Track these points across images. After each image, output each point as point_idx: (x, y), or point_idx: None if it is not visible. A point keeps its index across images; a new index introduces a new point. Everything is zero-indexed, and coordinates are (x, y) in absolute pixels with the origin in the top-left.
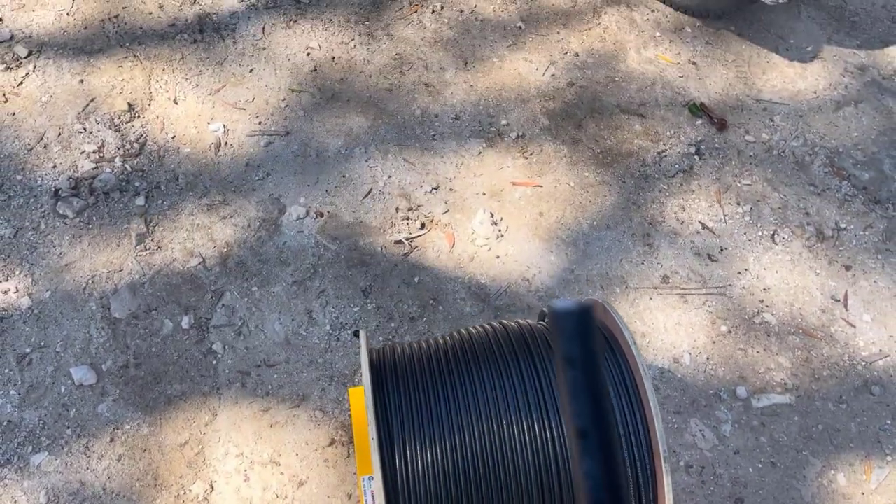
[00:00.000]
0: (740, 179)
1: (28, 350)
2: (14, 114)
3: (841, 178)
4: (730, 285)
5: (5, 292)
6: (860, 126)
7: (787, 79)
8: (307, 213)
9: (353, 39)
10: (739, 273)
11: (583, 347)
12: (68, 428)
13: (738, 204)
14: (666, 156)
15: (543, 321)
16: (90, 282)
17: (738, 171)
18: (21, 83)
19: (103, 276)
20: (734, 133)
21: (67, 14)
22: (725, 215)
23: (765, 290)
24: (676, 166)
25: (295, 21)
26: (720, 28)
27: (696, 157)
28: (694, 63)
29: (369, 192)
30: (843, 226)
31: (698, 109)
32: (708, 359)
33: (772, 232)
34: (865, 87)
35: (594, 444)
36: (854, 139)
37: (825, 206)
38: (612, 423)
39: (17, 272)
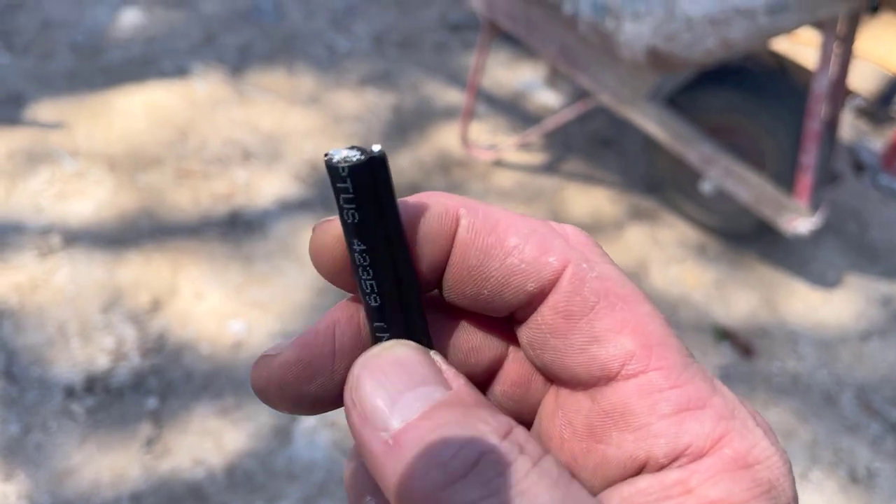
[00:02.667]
0: (768, 410)
1: None
2: (40, 304)
3: (870, 414)
4: None
5: (5, 495)
6: (887, 359)
7: (811, 306)
8: (320, 423)
9: None
10: None
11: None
12: None
13: None
14: None
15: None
16: (93, 490)
17: (766, 402)
18: (52, 273)
19: (107, 484)
20: (760, 360)
21: (105, 206)
22: None
23: None
24: None
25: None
26: (742, 249)
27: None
28: (717, 285)
29: None
30: (876, 465)
31: (723, 335)
32: None
33: (805, 469)
34: (891, 319)
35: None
36: (882, 374)
37: (856, 444)
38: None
39: (21, 474)
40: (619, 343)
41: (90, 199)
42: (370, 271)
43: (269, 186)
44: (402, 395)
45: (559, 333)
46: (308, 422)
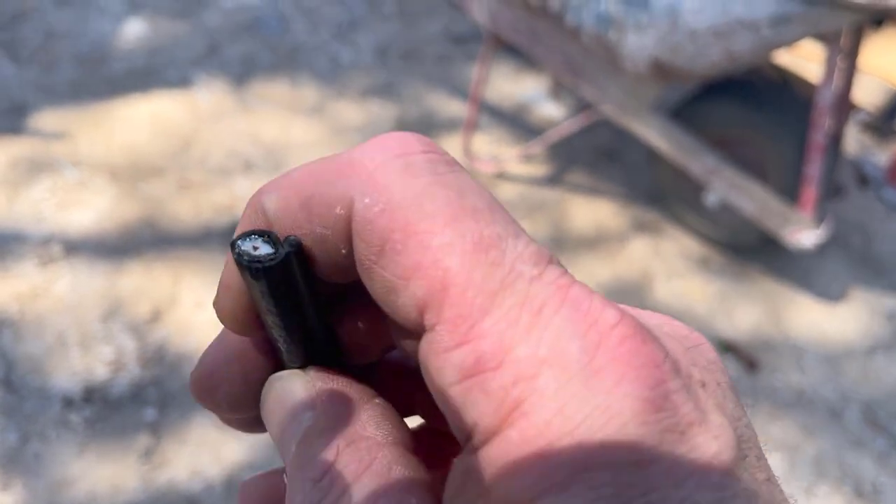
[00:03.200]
0: (773, 425)
1: None
2: (40, 313)
3: (876, 429)
4: None
5: None
6: (892, 374)
7: (815, 320)
8: None
9: None
10: None
11: None
12: None
13: (773, 451)
14: None
15: None
16: (91, 500)
17: (770, 416)
18: (53, 282)
19: (104, 494)
20: (764, 374)
21: (106, 216)
22: None
23: None
24: None
25: None
26: (746, 262)
27: None
28: (721, 298)
29: None
30: (882, 480)
31: (727, 348)
32: None
33: (810, 485)
34: None
35: None
36: (888, 388)
37: (862, 459)
38: None
39: (18, 483)
40: (409, 291)
41: (92, 208)
42: (287, 343)
43: None
44: (284, 433)
45: (367, 284)
46: None
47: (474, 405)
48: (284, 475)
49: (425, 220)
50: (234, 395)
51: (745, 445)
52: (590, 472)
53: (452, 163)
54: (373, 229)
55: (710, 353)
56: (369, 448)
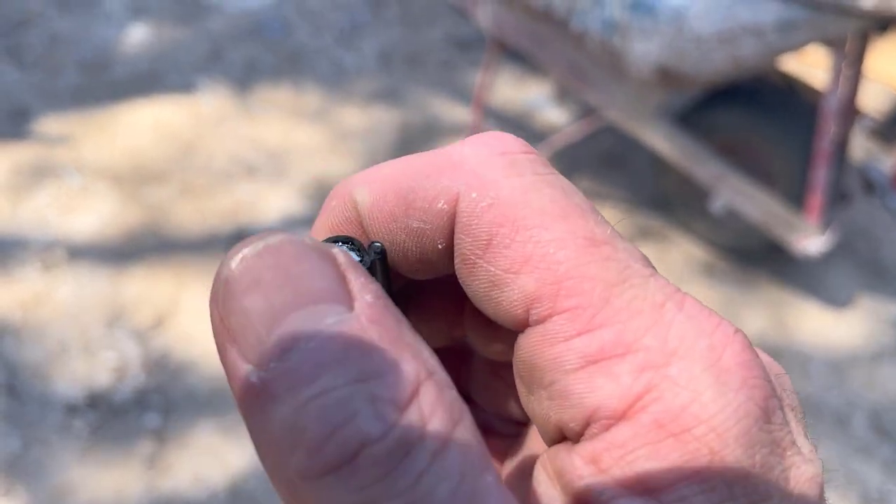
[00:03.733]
0: None
1: None
2: (43, 319)
3: (882, 437)
4: None
5: None
6: None
7: (821, 327)
8: None
9: None
10: None
11: None
12: None
13: None
14: None
15: None
16: None
17: None
18: (55, 288)
19: (107, 501)
20: None
21: (109, 221)
22: None
23: None
24: None
25: None
26: (751, 269)
27: None
28: (726, 305)
29: None
30: (888, 487)
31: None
32: None
33: None
34: None
35: None
36: (894, 396)
37: (868, 466)
38: None
39: (20, 489)
40: (518, 284)
41: (95, 213)
42: None
43: (274, 202)
44: (285, 316)
45: (464, 280)
46: None
47: (599, 389)
48: (244, 374)
49: (535, 215)
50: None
51: (825, 475)
52: (725, 468)
53: (549, 164)
54: (480, 223)
55: (789, 383)
56: (452, 393)
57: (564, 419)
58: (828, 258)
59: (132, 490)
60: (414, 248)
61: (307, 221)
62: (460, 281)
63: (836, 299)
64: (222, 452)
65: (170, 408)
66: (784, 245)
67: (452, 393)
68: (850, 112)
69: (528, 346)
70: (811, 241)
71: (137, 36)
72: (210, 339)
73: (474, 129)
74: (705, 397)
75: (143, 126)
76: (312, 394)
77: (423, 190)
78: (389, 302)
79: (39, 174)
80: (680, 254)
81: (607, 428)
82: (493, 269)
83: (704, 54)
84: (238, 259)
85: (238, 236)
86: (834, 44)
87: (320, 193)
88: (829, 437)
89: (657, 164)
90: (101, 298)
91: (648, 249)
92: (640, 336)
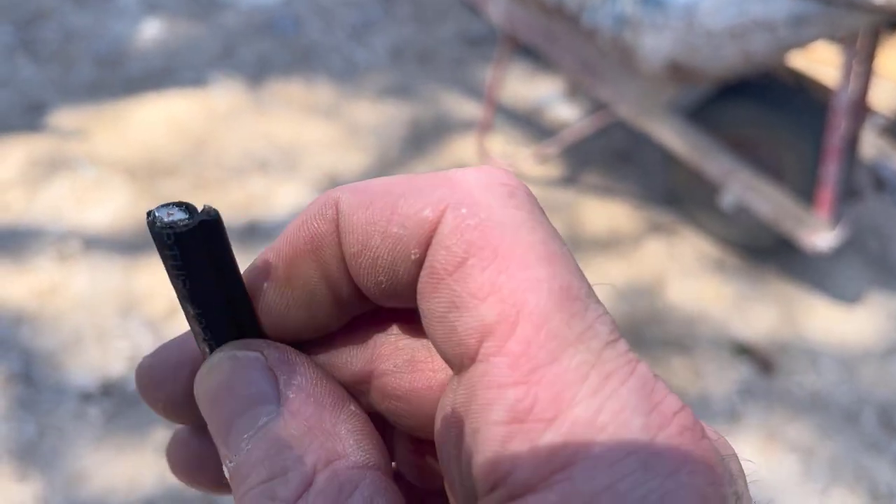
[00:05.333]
0: (788, 427)
1: None
2: (58, 309)
3: (892, 433)
4: None
5: (20, 497)
6: None
7: (831, 322)
8: None
9: None
10: None
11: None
12: None
13: (788, 452)
14: (710, 399)
15: None
16: (107, 494)
17: (785, 418)
18: (70, 278)
19: (121, 488)
20: (780, 377)
21: (123, 214)
22: (774, 465)
23: None
24: (720, 407)
25: None
26: (761, 264)
27: (739, 400)
28: (736, 300)
29: None
30: None
31: (742, 350)
32: None
33: (825, 487)
34: None
35: None
36: None
37: (878, 462)
38: None
39: (35, 476)
40: (478, 312)
41: (109, 206)
42: (208, 332)
43: (285, 197)
44: (233, 423)
45: (425, 296)
46: None
47: (515, 455)
48: (225, 465)
49: (519, 249)
50: (176, 398)
51: None
52: None
53: (542, 210)
54: (460, 239)
55: (739, 465)
56: (350, 473)
57: (476, 476)
58: (838, 254)
59: (145, 478)
60: (386, 255)
61: None
62: (419, 299)
63: (846, 295)
64: None
65: None
66: (794, 241)
67: (350, 473)
68: (861, 109)
69: (469, 385)
70: (821, 237)
71: (151, 31)
72: None
73: (485, 125)
74: (622, 485)
75: (156, 120)
76: (242, 493)
77: (412, 198)
78: (315, 387)
79: (54, 167)
80: (690, 249)
81: (513, 498)
82: (458, 289)
83: (715, 49)
84: (197, 380)
85: (250, 230)
86: (845, 40)
87: (331, 188)
88: (838, 433)
89: (667, 159)
90: (114, 289)
91: (658, 245)
92: (575, 404)
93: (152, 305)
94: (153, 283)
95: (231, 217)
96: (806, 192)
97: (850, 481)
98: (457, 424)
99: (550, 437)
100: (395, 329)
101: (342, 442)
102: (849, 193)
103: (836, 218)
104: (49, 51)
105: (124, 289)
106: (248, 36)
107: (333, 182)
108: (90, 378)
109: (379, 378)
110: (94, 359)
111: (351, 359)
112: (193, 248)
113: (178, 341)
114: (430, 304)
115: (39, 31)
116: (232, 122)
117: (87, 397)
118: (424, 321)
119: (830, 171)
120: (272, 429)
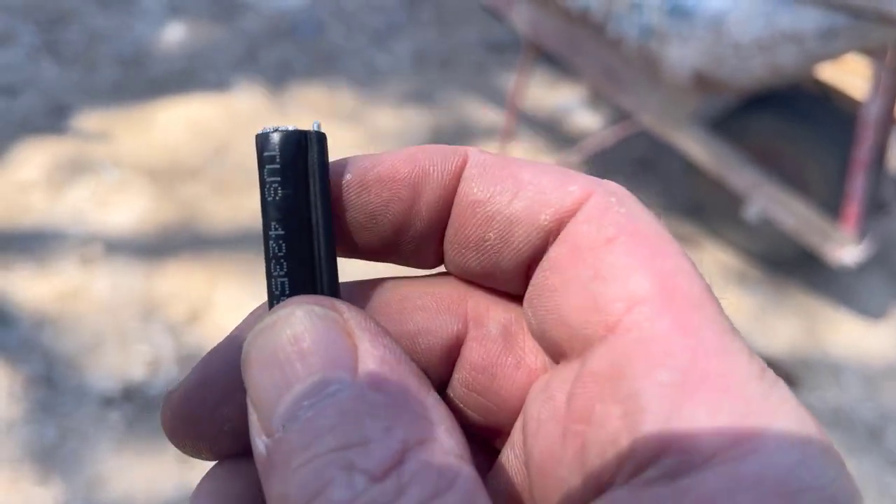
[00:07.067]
0: None
1: None
2: (80, 312)
3: None
4: None
5: (40, 500)
6: None
7: (854, 337)
8: None
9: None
10: None
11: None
12: None
13: None
14: None
15: None
16: (127, 499)
17: None
18: (92, 281)
19: (141, 493)
20: (802, 391)
21: (145, 217)
22: None
23: None
24: None
25: None
26: (784, 277)
27: None
28: (758, 313)
29: None
30: None
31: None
32: None
33: None
34: None
35: None
36: None
37: None
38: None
39: (56, 479)
40: (630, 281)
41: (131, 209)
42: (285, 265)
43: None
44: (291, 387)
45: (561, 268)
46: None
47: (688, 418)
48: (258, 439)
49: (664, 241)
50: (232, 428)
51: None
52: None
53: None
54: (611, 221)
55: None
56: (448, 460)
57: (639, 437)
58: (862, 268)
59: (164, 483)
60: (506, 214)
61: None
62: (544, 268)
63: (870, 310)
64: None
65: None
66: (819, 254)
67: (447, 459)
68: (889, 122)
69: (616, 351)
70: (847, 251)
71: (174, 34)
72: None
73: (507, 133)
74: (812, 463)
75: (178, 123)
76: (299, 463)
77: (557, 175)
78: (398, 363)
79: (77, 169)
80: (712, 261)
81: (693, 468)
82: (608, 260)
83: (743, 61)
84: (254, 333)
85: None
86: (875, 53)
87: None
88: (862, 450)
89: (690, 170)
90: (136, 293)
91: None
92: (745, 382)
93: (173, 310)
94: (174, 286)
95: (252, 222)
96: (831, 205)
97: (873, 498)
98: (586, 395)
99: (729, 405)
100: (478, 304)
101: (433, 427)
102: (875, 207)
103: (863, 232)
104: (72, 52)
105: (146, 292)
106: (270, 39)
107: None
108: (111, 382)
109: (463, 357)
110: (115, 362)
111: (437, 332)
112: (293, 153)
113: (226, 345)
114: (568, 274)
115: (63, 33)
116: (253, 126)
117: (108, 401)
118: (543, 293)
119: (857, 185)
120: (344, 398)
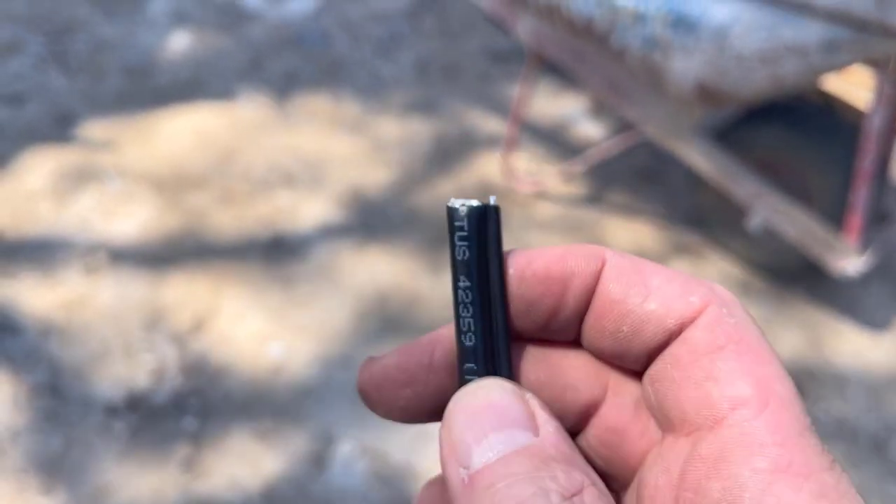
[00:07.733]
0: None
1: None
2: (85, 321)
3: None
4: None
5: None
6: None
7: (858, 348)
8: (357, 450)
9: (419, 268)
10: None
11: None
12: None
13: None
14: None
15: None
16: None
17: None
18: (97, 290)
19: (145, 502)
20: (806, 403)
21: (150, 226)
22: None
23: None
24: None
25: (364, 247)
26: (787, 288)
27: None
28: (761, 324)
29: (421, 432)
30: None
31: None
32: None
33: None
34: None
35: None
36: None
37: None
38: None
39: (60, 488)
40: (735, 386)
41: (136, 218)
42: (470, 308)
43: (311, 210)
44: (487, 436)
45: (680, 366)
46: (345, 449)
47: (777, 495)
48: (453, 471)
49: (763, 348)
50: (420, 398)
51: None
52: None
53: None
54: (722, 331)
55: None
56: (608, 500)
57: None
58: (866, 279)
59: (169, 493)
60: (639, 314)
61: (343, 230)
62: (666, 363)
63: (874, 321)
64: (258, 457)
65: (207, 411)
66: (822, 265)
67: (608, 500)
68: (893, 133)
69: (721, 440)
70: (850, 262)
71: (180, 43)
72: (247, 343)
73: (510, 142)
74: None
75: (184, 132)
76: (505, 484)
77: (679, 283)
78: (565, 434)
79: (83, 178)
80: (715, 271)
81: None
82: (719, 366)
83: (745, 73)
84: (460, 394)
85: (275, 243)
86: (878, 64)
87: (356, 202)
88: (865, 462)
89: (693, 180)
90: (141, 302)
91: (683, 266)
92: (821, 471)
93: (178, 319)
94: (179, 296)
95: (257, 231)
96: (834, 216)
97: None
98: (696, 472)
99: (808, 488)
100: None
101: (593, 476)
102: (878, 218)
103: (866, 243)
104: (79, 62)
105: (150, 301)
106: (275, 49)
107: (358, 196)
108: (116, 391)
109: (598, 424)
110: (120, 371)
111: (573, 398)
112: (477, 222)
113: (422, 346)
114: (686, 372)
115: (69, 43)
116: (259, 135)
117: (112, 411)
118: (664, 381)
119: (860, 196)
120: (533, 447)
